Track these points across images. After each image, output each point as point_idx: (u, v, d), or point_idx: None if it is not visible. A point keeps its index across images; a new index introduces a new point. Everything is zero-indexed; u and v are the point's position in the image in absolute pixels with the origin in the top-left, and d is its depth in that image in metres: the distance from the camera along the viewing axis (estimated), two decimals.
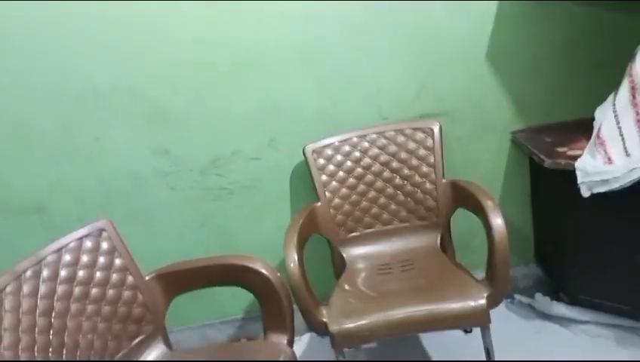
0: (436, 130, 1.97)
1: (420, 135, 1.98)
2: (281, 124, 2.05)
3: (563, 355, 1.90)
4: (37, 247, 1.48)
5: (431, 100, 2.06)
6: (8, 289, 1.35)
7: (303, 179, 2.11)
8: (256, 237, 2.17)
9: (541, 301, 2.14)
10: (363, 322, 1.61)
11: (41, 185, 2.05)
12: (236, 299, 2.28)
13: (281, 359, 1.50)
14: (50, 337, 1.40)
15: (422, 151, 1.98)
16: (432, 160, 1.97)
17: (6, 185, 2.04)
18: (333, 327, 1.62)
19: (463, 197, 1.85)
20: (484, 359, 1.70)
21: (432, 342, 2.12)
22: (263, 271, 1.58)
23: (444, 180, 1.96)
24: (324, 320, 1.64)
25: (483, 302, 1.58)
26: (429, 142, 1.97)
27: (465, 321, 1.61)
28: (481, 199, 1.68)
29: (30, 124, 1.97)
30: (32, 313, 1.38)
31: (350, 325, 1.62)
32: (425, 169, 1.98)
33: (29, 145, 2.00)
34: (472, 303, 1.59)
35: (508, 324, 2.11)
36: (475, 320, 1.61)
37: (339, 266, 2.02)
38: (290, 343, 1.59)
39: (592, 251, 1.87)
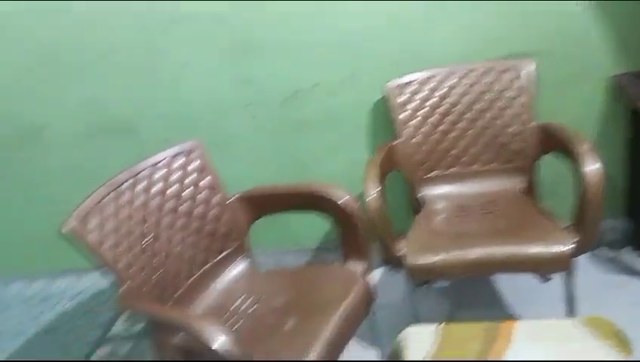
0: (529, 69, 1.86)
1: (511, 74, 1.88)
2: (363, 58, 2.02)
3: None
4: (128, 165, 1.58)
5: (525, 37, 1.93)
6: (107, 198, 1.47)
7: (382, 116, 2.08)
8: (331, 171, 2.20)
9: (628, 256, 2.05)
10: (439, 258, 1.62)
11: (132, 109, 2.17)
12: (313, 229, 2.34)
13: (357, 286, 1.54)
14: (146, 244, 1.51)
15: (512, 92, 1.89)
16: (522, 101, 1.88)
17: (102, 107, 2.19)
18: (410, 261, 1.63)
19: (554, 142, 1.77)
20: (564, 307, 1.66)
21: (506, 286, 2.10)
22: (343, 200, 1.61)
23: (533, 123, 1.87)
24: (401, 253, 1.66)
25: (568, 247, 1.54)
26: (521, 81, 1.87)
27: (547, 266, 1.58)
28: (575, 143, 1.60)
29: (122, 50, 2.08)
30: (129, 221, 1.49)
31: (426, 260, 1.63)
32: (514, 110, 1.89)
33: (121, 69, 2.12)
34: (555, 248, 1.55)
35: (589, 276, 2.04)
36: (557, 266, 1.57)
37: (417, 205, 2.01)
38: (367, 272, 1.63)
39: None
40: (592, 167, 1.52)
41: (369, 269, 1.65)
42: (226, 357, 1.13)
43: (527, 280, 2.11)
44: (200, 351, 1.39)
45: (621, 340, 1.22)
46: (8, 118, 2.26)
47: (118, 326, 2.09)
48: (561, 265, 1.56)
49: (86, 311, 2.22)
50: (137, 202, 1.53)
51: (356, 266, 1.64)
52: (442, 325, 1.35)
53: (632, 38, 1.91)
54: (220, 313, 1.59)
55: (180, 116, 2.18)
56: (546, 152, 1.85)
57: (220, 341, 1.13)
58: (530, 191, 1.92)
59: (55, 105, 2.21)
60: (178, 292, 1.58)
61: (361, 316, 1.54)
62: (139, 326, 2.06)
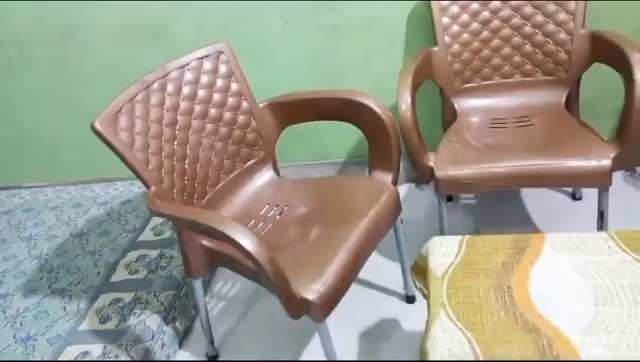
0: None
1: None
2: None
3: None
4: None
5: None
6: (138, 97, 1.44)
7: (422, 22, 1.98)
8: (366, 79, 2.13)
9: None
10: (470, 170, 1.58)
11: (164, 8, 2.09)
12: (339, 142, 2.31)
13: (384, 195, 1.52)
14: (175, 146, 1.49)
15: None
16: (572, 6, 1.74)
17: (138, 8, 2.11)
18: (439, 172, 1.60)
19: (603, 50, 1.66)
20: (596, 224, 1.62)
21: (535, 204, 2.06)
22: (375, 107, 1.56)
23: (582, 30, 1.74)
24: (431, 164, 1.62)
25: (607, 161, 1.48)
26: None
27: (584, 180, 1.53)
28: (626, 49, 1.50)
29: None
30: (160, 122, 1.47)
31: (457, 171, 1.59)
32: (562, 16, 1.77)
33: None
34: (594, 162, 1.49)
35: (623, 196, 1.99)
36: (595, 180, 1.52)
37: (449, 117, 1.94)
38: (395, 182, 1.60)
39: None
40: None
41: (397, 178, 1.62)
42: (254, 259, 1.14)
43: (557, 199, 2.07)
44: (228, 255, 1.41)
45: None
46: (44, 16, 2.21)
47: (147, 233, 2.13)
48: (600, 178, 1.50)
49: (115, 218, 2.27)
50: (167, 103, 1.50)
51: (384, 176, 1.61)
52: (468, 236, 1.33)
53: None
54: (246, 219, 1.60)
55: (212, 20, 2.10)
56: (593, 62, 1.74)
57: (248, 242, 1.14)
58: (573, 104, 1.83)
59: (91, 4, 2.15)
60: (205, 198, 1.58)
61: (387, 226, 1.53)
62: (166, 234, 2.10)
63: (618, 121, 1.54)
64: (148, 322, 1.70)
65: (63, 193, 2.54)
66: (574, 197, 2.05)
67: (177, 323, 1.76)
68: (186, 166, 1.52)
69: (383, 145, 1.59)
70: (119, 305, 1.78)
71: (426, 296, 1.31)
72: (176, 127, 1.52)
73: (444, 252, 1.29)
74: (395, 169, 1.60)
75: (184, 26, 2.12)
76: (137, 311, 1.74)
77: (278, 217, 1.60)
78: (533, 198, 2.09)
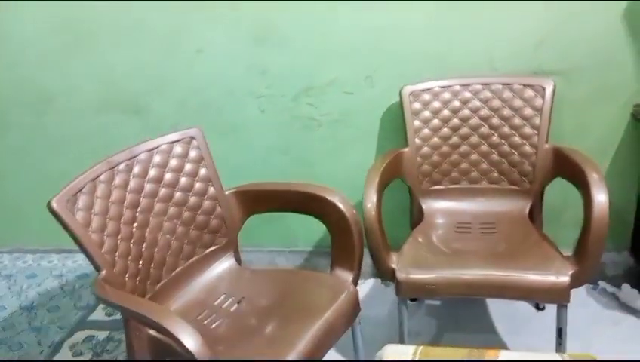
0: (549, 89, 1.80)
1: (529, 92, 1.83)
2: (381, 60, 1.98)
3: (637, 353, 1.76)
4: (132, 144, 1.54)
5: (549, 55, 1.88)
6: (102, 177, 1.42)
7: (394, 121, 2.03)
8: (337, 173, 2.16)
9: (628, 292, 1.99)
10: (432, 275, 1.57)
11: (143, 88, 2.14)
12: (308, 231, 2.30)
13: (344, 295, 1.49)
14: (133, 229, 1.46)
15: (528, 111, 1.83)
16: (537, 121, 1.82)
17: (114, 83, 2.16)
18: (401, 275, 1.58)
19: (565, 166, 1.71)
20: (555, 338, 1.60)
21: (499, 311, 2.04)
22: (340, 205, 1.56)
23: (546, 145, 1.81)
24: (393, 266, 1.61)
25: (566, 278, 1.48)
26: (539, 101, 1.81)
27: (542, 295, 1.52)
28: (585, 170, 1.54)
29: (139, 27, 2.05)
30: (121, 204, 1.45)
31: (419, 276, 1.57)
32: (528, 130, 1.83)
33: (137, 47, 2.09)
34: (553, 277, 1.49)
35: (585, 310, 1.98)
36: (553, 296, 1.51)
37: (416, 217, 1.96)
38: (355, 281, 1.58)
39: None
40: (600, 198, 1.46)
41: (358, 278, 1.60)
42: (197, 358, 1.08)
43: (522, 307, 2.06)
44: (173, 348, 1.35)
45: None
46: (20, 84, 2.23)
47: (98, 312, 2.05)
48: (558, 295, 1.50)
49: (69, 293, 2.19)
50: (132, 185, 1.49)
51: (345, 275, 1.58)
52: (422, 347, 1.30)
53: None
54: (199, 309, 1.54)
55: (189, 101, 2.14)
56: (555, 176, 1.79)
57: (191, 342, 1.09)
58: (536, 215, 1.86)
59: (68, 75, 2.19)
60: (160, 284, 1.53)
61: (344, 326, 1.49)
62: (118, 315, 2.02)
63: (578, 238, 1.55)
64: None
65: (19, 261, 2.46)
66: (538, 307, 2.03)
67: None
68: (143, 249, 1.49)
69: (346, 243, 1.58)
70: None
71: None
72: (138, 209, 1.49)
73: None
74: (357, 269, 1.58)
75: (164, 103, 2.16)
76: None
77: (233, 309, 1.55)
78: (497, 305, 2.06)
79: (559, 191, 1.88)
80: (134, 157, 1.52)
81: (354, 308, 1.52)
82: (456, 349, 1.28)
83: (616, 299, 2.02)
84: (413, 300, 2.13)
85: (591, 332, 1.84)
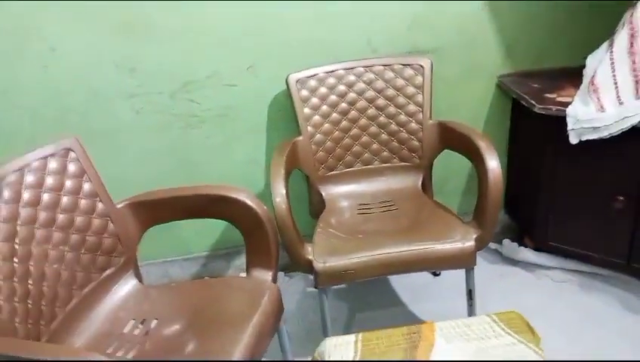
0: (427, 67, 1.89)
1: (409, 71, 1.90)
2: (263, 48, 1.91)
3: (528, 299, 1.96)
4: None
5: (422, 35, 1.97)
6: None
7: (281, 111, 1.99)
8: (227, 170, 2.05)
9: (508, 246, 2.19)
10: (349, 261, 1.56)
11: None
12: (199, 236, 2.17)
13: (266, 296, 1.42)
14: (15, 265, 1.23)
15: (410, 89, 1.90)
16: (420, 99, 1.90)
17: None
18: (319, 265, 1.56)
19: (452, 139, 1.81)
20: (466, 302, 1.70)
21: (399, 283, 2.12)
22: (250, 203, 1.48)
23: (430, 121, 1.90)
24: (310, 257, 1.58)
25: (472, 243, 1.57)
26: (419, 79, 1.89)
27: (452, 262, 1.60)
28: (475, 140, 1.65)
29: None
30: None
31: (336, 263, 1.56)
32: (412, 108, 1.91)
33: None
34: (460, 244, 1.57)
35: (480, 271, 2.14)
36: (462, 262, 1.60)
37: (316, 205, 1.95)
38: (274, 279, 1.52)
39: (567, 198, 1.90)
40: (493, 164, 1.58)
41: (277, 275, 1.54)
42: None
43: (418, 276, 2.16)
44: None
45: (533, 333, 1.25)
46: None
47: None
48: (466, 260, 1.59)
49: None
50: (3, 213, 1.25)
51: (264, 274, 1.51)
52: (361, 334, 1.29)
53: (520, 40, 2.03)
54: (107, 342, 1.36)
55: (49, 109, 1.86)
56: (443, 149, 1.89)
57: None
58: (427, 187, 1.96)
59: None
60: (55, 322, 1.32)
61: (273, 328, 1.43)
62: None
63: (475, 204, 1.66)
64: None
65: None
66: (434, 274, 2.15)
67: None
68: (30, 286, 1.26)
69: (261, 241, 1.50)
70: None
71: None
72: (16, 241, 1.26)
73: (339, 355, 1.23)
74: (275, 265, 1.52)
75: (14, 115, 1.85)
76: None
77: (146, 334, 1.39)
78: (396, 279, 2.14)
79: (441, 162, 1.98)
80: (1, 180, 1.28)
81: (278, 307, 1.46)
82: (394, 330, 1.30)
83: (499, 255, 2.22)
84: (317, 287, 2.12)
85: (484, 289, 1.99)
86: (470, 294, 1.67)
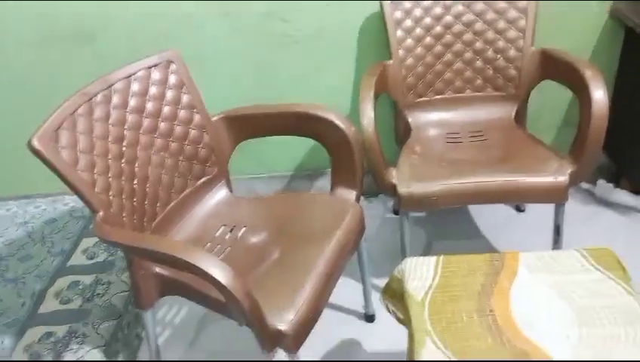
0: None
1: None
2: None
3: (619, 241, 1.87)
4: (89, 78, 1.37)
5: None
6: (80, 110, 1.28)
7: (374, 33, 1.94)
8: (316, 91, 2.06)
9: (603, 187, 2.08)
10: (434, 187, 1.56)
11: (91, 14, 1.90)
12: (285, 154, 2.23)
13: (350, 214, 1.46)
14: (123, 165, 1.34)
15: (512, 13, 1.79)
16: (522, 23, 1.78)
17: (56, 11, 1.90)
18: (403, 189, 1.56)
19: (554, 68, 1.70)
20: (552, 238, 1.66)
21: (482, 216, 2.09)
22: (339, 122, 1.49)
23: (532, 48, 1.79)
24: (394, 181, 1.59)
25: (565, 178, 1.51)
26: (522, 2, 1.77)
27: (543, 196, 1.55)
28: (580, 69, 1.54)
29: None
30: (105, 138, 1.32)
31: (420, 189, 1.56)
32: (512, 34, 1.80)
33: None
34: (552, 178, 1.51)
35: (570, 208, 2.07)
36: (552, 196, 1.55)
37: (402, 132, 1.93)
38: (358, 199, 1.55)
39: None
40: (598, 93, 1.47)
41: (361, 195, 1.57)
42: (229, 293, 1.03)
43: (502, 210, 2.12)
44: (185, 283, 1.29)
45: (624, 271, 1.21)
46: None
47: (78, 256, 1.93)
48: (557, 195, 1.54)
49: (39, 240, 2.04)
50: (113, 117, 1.35)
51: (348, 194, 1.55)
52: (442, 256, 1.30)
53: None
54: (201, 242, 1.48)
55: (147, 26, 1.93)
56: (542, 79, 1.78)
57: (222, 274, 1.03)
58: (521, 119, 1.87)
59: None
60: (156, 220, 1.44)
61: (354, 245, 1.48)
62: (101, 257, 1.91)
63: (574, 137, 1.57)
64: (87, 358, 1.52)
65: None
66: (518, 209, 2.10)
67: (120, 357, 1.59)
68: (135, 186, 1.38)
69: (347, 160, 1.53)
70: (51, 340, 1.58)
71: (402, 321, 1.27)
72: (124, 143, 1.37)
73: (420, 274, 1.25)
74: (359, 186, 1.54)
75: (114, 31, 1.93)
76: (74, 347, 1.55)
77: (236, 239, 1.49)
78: (478, 210, 2.12)
79: (537, 93, 1.88)
80: (111, 85, 1.37)
81: (361, 226, 1.50)
82: (476, 255, 1.29)
83: (591, 195, 2.12)
84: (395, 213, 2.14)
85: (572, 228, 1.91)
86: (557, 230, 1.62)
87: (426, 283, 1.22)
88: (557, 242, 1.64)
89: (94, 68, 1.39)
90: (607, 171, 2.14)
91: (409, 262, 1.29)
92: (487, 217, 2.08)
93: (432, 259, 1.29)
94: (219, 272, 1.02)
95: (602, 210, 2.05)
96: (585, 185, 2.15)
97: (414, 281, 1.23)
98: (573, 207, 2.08)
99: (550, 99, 2.03)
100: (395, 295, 1.29)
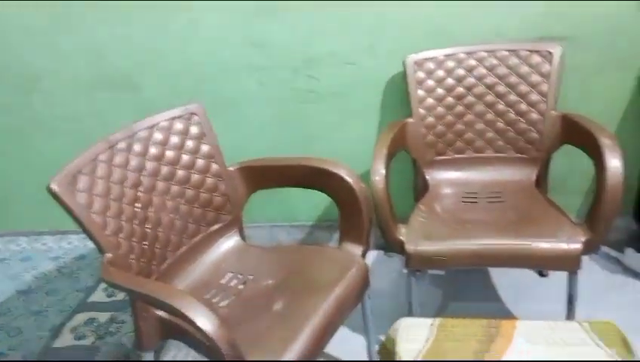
0: (557, 54, 1.76)
1: (536, 58, 1.78)
2: (383, 28, 1.92)
3: None
4: (127, 122, 1.48)
5: (556, 20, 1.83)
6: (102, 157, 1.37)
7: (397, 92, 1.99)
8: (338, 146, 2.11)
9: (631, 256, 1.99)
10: (442, 246, 1.55)
11: (135, 63, 2.06)
12: (308, 205, 2.27)
13: (353, 269, 1.46)
14: (136, 209, 1.42)
15: (535, 77, 1.79)
16: (545, 88, 1.78)
17: (103, 59, 2.07)
18: (410, 247, 1.56)
19: (574, 133, 1.68)
20: (565, 305, 1.60)
21: (502, 279, 2.04)
22: (348, 178, 1.52)
23: (554, 112, 1.78)
24: (402, 238, 1.59)
25: (578, 246, 1.47)
26: (546, 67, 1.77)
27: (554, 263, 1.51)
28: (597, 136, 1.51)
29: None
30: (122, 183, 1.40)
31: (429, 247, 1.55)
32: (534, 97, 1.80)
33: (126, 19, 2.00)
34: (565, 245, 1.47)
35: (590, 275, 1.97)
36: (565, 264, 1.50)
37: (420, 189, 1.93)
38: (364, 255, 1.55)
39: None
40: (614, 162, 1.44)
41: (367, 250, 1.57)
42: (213, 342, 1.05)
43: (524, 274, 2.05)
44: (183, 328, 1.32)
45: (627, 348, 1.15)
46: (5, 62, 2.14)
47: (99, 293, 2.01)
48: (570, 262, 1.49)
49: (67, 275, 2.14)
50: (132, 164, 1.43)
51: (354, 249, 1.56)
52: (438, 319, 1.28)
53: None
54: (206, 289, 1.51)
55: (184, 76, 2.07)
56: (563, 143, 1.76)
57: (207, 323, 1.05)
58: (542, 182, 1.84)
59: (54, 52, 2.09)
60: (165, 264, 1.49)
61: (355, 301, 1.47)
62: (119, 296, 1.98)
63: (590, 205, 1.54)
64: None
65: (12, 244, 2.40)
66: (541, 273, 2.04)
67: None
68: (147, 229, 1.44)
69: (354, 216, 1.54)
70: None
71: None
72: (140, 189, 1.44)
73: (413, 336, 1.23)
74: (365, 242, 1.55)
75: (155, 79, 2.09)
76: None
77: (240, 287, 1.52)
78: (500, 272, 2.06)
79: (563, 158, 1.85)
80: (134, 134, 1.46)
81: (364, 282, 1.49)
82: (473, 320, 1.27)
83: (619, 264, 2.03)
84: (417, 271, 2.11)
85: (596, 298, 1.85)
86: (570, 299, 1.56)
87: (417, 346, 1.20)
88: (570, 311, 1.57)
89: (136, 113, 1.51)
90: (637, 239, 2.05)
91: (403, 322, 1.28)
92: (509, 279, 2.03)
93: (428, 321, 1.27)
94: (204, 320, 1.05)
95: (630, 281, 1.96)
96: (614, 253, 2.06)
97: (406, 343, 1.21)
98: (600, 275, 2.00)
99: (577, 163, 1.98)
100: (389, 355, 1.27)
